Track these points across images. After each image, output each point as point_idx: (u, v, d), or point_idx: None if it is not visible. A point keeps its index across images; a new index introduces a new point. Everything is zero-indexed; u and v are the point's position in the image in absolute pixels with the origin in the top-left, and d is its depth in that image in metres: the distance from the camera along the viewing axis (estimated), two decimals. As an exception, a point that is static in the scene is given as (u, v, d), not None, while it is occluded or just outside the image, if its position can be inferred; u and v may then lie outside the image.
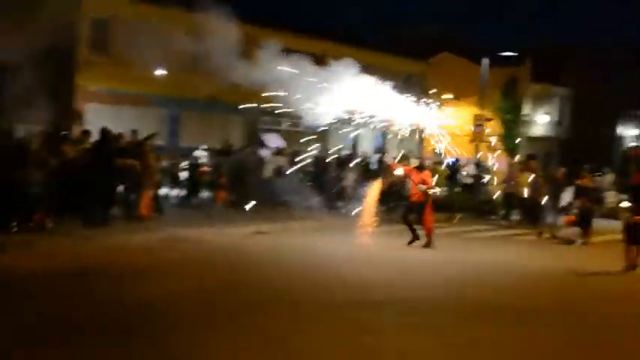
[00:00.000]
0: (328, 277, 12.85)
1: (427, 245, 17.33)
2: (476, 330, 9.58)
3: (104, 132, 18.23)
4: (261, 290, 11.32)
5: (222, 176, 23.95)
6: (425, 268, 14.66)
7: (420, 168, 18.28)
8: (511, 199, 24.71)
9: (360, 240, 16.85)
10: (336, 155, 27.09)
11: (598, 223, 20.49)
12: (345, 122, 26.27)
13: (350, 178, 24.52)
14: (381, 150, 31.50)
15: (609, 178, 29.35)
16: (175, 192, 24.00)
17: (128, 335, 8.55)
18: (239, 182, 23.27)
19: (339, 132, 38.83)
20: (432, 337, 9.19)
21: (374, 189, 17.88)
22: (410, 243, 17.53)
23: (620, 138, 64.45)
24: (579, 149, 52.45)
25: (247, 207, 21.05)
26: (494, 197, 25.62)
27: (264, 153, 26.65)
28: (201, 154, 27.24)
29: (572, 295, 12.74)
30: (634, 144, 60.91)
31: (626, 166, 41.21)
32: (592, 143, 54.45)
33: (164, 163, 22.40)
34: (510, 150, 47.53)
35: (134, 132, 21.98)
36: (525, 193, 22.31)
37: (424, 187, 17.47)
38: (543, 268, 15.46)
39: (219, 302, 10.40)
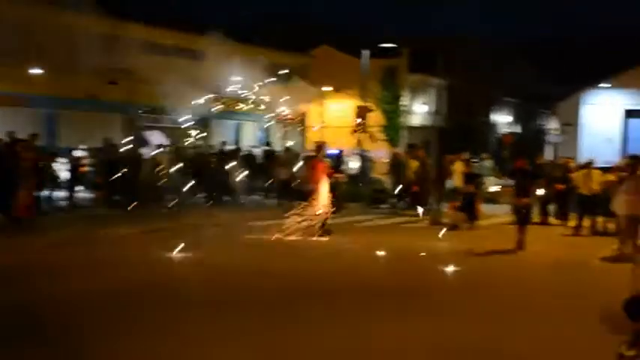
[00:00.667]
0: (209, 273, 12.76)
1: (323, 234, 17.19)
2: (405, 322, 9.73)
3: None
4: (149, 291, 11.15)
5: (100, 176, 23.51)
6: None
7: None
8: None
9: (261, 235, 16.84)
10: (220, 149, 27.01)
11: (481, 207, 21.00)
12: (227, 116, 26.23)
13: (234, 172, 24.36)
14: (265, 143, 31.51)
15: (488, 163, 30.19)
16: (56, 193, 23.30)
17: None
18: (121, 182, 22.84)
19: (221, 126, 38.94)
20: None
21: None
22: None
23: (494, 125, 66.63)
24: (456, 137, 53.91)
25: (130, 207, 20.64)
26: (386, 186, 25.89)
27: (146, 150, 26.24)
28: (82, 154, 26.65)
29: (475, 276, 13.01)
30: (507, 130, 63.09)
31: (501, 152, 42.79)
32: (468, 131, 56.03)
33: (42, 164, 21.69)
34: (391, 140, 48.45)
35: (10, 133, 21.31)
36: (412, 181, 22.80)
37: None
38: (438, 252, 15.78)
39: (105, 304, 10.16)
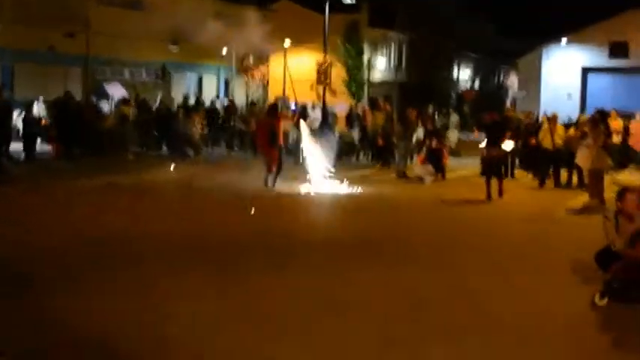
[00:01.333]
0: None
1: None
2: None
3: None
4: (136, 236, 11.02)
5: (54, 129, 23.12)
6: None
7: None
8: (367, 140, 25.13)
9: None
10: (182, 102, 26.72)
11: (447, 160, 21.01)
12: (188, 68, 25.94)
13: (196, 125, 24.10)
14: (226, 95, 31.28)
15: (454, 118, 30.25)
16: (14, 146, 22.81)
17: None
18: (78, 134, 22.48)
19: (183, 78, 38.52)
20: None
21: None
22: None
23: (455, 80, 66.77)
24: (417, 92, 53.99)
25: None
26: (354, 139, 25.80)
27: (106, 104, 25.86)
28: (39, 107, 26.16)
29: (444, 228, 13.03)
30: (468, 86, 63.28)
31: (462, 107, 42.90)
32: (429, 86, 56.09)
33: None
34: (354, 94, 48.33)
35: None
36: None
37: None
38: (410, 203, 15.82)
39: (78, 255, 10.01)
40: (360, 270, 9.50)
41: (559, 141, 19.12)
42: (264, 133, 17.55)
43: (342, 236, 11.87)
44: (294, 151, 21.70)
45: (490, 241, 11.84)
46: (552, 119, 19.76)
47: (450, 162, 21.40)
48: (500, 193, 16.63)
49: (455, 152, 26.13)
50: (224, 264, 9.67)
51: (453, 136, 27.66)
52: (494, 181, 16.54)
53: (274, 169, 17.31)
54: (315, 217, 14.09)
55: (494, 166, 16.75)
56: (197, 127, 24.11)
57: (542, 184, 19.17)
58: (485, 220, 14.18)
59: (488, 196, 16.42)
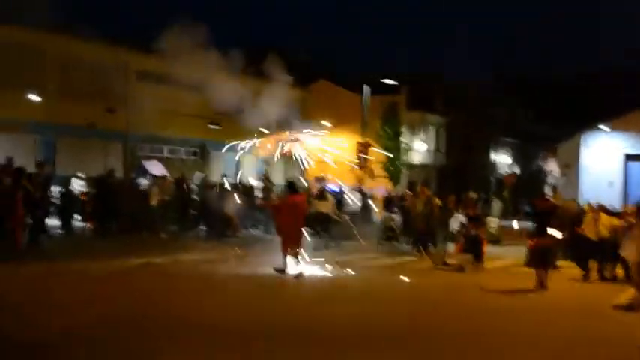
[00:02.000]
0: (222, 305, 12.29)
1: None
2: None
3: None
4: (165, 320, 10.72)
5: (91, 205, 23.16)
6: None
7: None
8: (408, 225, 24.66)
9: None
10: (220, 182, 26.60)
11: (485, 248, 20.50)
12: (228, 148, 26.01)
13: (234, 205, 23.94)
14: (262, 176, 31.12)
15: (497, 205, 29.74)
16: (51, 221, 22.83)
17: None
18: (121, 211, 22.46)
19: (221, 157, 38.56)
20: None
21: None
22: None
23: (494, 165, 66.40)
24: (455, 176, 53.68)
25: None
26: (395, 224, 25.37)
27: (145, 181, 25.86)
28: (79, 182, 26.30)
29: (489, 319, 12.57)
30: (508, 171, 62.76)
31: (502, 193, 42.39)
32: (467, 170, 55.77)
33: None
34: (392, 177, 48.11)
35: (9, 159, 20.95)
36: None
37: None
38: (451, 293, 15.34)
39: (118, 335, 9.74)
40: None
41: (604, 231, 18.63)
42: (291, 212, 16.97)
43: (385, 325, 11.46)
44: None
45: (531, 336, 11.32)
46: (597, 209, 19.34)
47: (488, 250, 20.85)
48: (544, 284, 16.29)
49: (495, 240, 25.65)
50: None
51: (494, 223, 27.21)
52: (544, 270, 16.39)
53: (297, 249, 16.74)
54: (350, 306, 13.57)
55: (543, 255, 16.51)
56: (234, 207, 23.95)
57: (586, 276, 18.55)
58: (526, 312, 13.60)
59: (541, 284, 16.26)
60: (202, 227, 25.08)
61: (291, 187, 17.96)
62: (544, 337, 11.35)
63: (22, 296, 12.41)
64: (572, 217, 20.92)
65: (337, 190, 27.50)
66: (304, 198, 17.57)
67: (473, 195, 22.15)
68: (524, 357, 9.99)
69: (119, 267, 15.97)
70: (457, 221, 21.13)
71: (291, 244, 16.56)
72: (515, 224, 23.97)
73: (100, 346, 9.25)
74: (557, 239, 17.45)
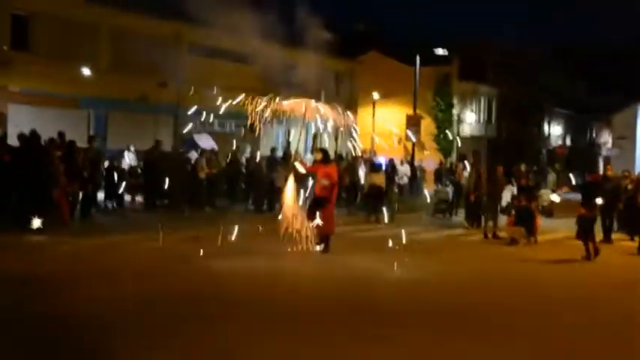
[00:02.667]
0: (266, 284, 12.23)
1: (325, 250, 15.39)
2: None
3: (32, 135, 17.26)
4: (214, 300, 10.70)
5: (137, 178, 23.32)
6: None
7: (325, 161, 16.16)
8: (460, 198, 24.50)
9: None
10: (268, 155, 26.61)
11: (539, 221, 20.20)
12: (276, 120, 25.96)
13: (282, 179, 23.86)
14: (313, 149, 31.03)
15: (552, 177, 29.41)
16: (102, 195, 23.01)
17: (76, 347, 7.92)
18: (170, 185, 22.55)
19: (271, 132, 38.65)
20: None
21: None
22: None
23: (546, 137, 65.49)
24: (507, 148, 53.07)
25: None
26: (447, 197, 25.25)
27: (194, 154, 25.92)
28: (131, 156, 26.52)
29: (542, 294, 12.39)
30: (559, 143, 61.89)
31: (553, 164, 41.84)
32: (519, 142, 55.10)
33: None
34: (443, 149, 47.76)
35: (61, 134, 21.11)
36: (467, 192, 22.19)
37: (327, 181, 15.64)
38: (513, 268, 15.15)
39: (157, 313, 9.74)
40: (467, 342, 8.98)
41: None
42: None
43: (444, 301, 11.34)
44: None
45: (587, 310, 11.14)
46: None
47: (541, 223, 20.54)
48: (593, 254, 16.34)
49: (547, 212, 25.34)
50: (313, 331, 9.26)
51: (546, 195, 26.88)
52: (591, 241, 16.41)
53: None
54: (404, 280, 13.43)
55: (588, 227, 16.51)
56: (282, 181, 23.88)
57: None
58: (572, 287, 13.38)
59: (587, 256, 16.24)
60: (251, 201, 25.06)
61: (325, 155, 16.45)
62: (597, 312, 11.15)
63: (74, 270, 12.51)
64: (623, 190, 20.63)
65: (386, 162, 27.36)
66: (334, 168, 16.26)
67: (523, 167, 21.80)
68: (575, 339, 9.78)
69: (167, 241, 15.93)
70: (508, 193, 20.87)
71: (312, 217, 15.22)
72: (555, 197, 23.72)
73: (151, 323, 9.26)
74: (607, 212, 17.28)
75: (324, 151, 16.71)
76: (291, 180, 15.63)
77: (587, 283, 13.89)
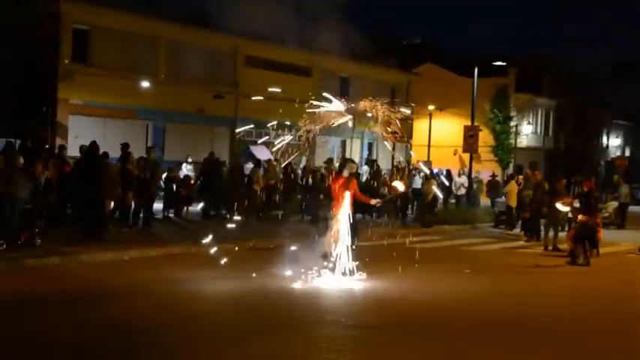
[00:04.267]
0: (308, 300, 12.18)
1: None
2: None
3: (93, 146, 17.46)
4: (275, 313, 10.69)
5: (189, 188, 23.40)
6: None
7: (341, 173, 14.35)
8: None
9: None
10: (323, 166, 26.57)
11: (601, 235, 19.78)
12: (332, 132, 25.95)
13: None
14: (369, 160, 30.99)
15: (624, 189, 28.93)
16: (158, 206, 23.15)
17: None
18: (229, 194, 22.67)
19: (326, 142, 38.70)
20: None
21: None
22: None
23: (605, 148, 64.54)
24: (565, 160, 52.41)
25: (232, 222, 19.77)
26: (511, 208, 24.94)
27: (250, 165, 25.99)
28: (188, 167, 26.74)
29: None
30: (619, 154, 60.98)
31: (612, 175, 41.21)
32: (577, 154, 54.41)
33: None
34: (501, 161, 47.36)
35: (125, 145, 21.34)
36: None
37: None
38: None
39: (237, 325, 9.76)
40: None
41: None
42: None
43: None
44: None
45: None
46: None
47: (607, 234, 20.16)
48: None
49: (613, 223, 25.10)
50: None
51: (611, 206, 26.63)
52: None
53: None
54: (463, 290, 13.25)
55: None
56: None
57: None
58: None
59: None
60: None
61: (340, 167, 15.00)
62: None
63: (137, 281, 12.61)
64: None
65: (441, 172, 27.29)
66: (342, 180, 13.82)
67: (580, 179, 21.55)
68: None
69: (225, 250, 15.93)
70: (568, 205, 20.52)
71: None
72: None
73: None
74: None
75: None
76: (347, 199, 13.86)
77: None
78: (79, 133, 26.86)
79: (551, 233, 19.85)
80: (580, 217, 17.99)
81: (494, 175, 31.67)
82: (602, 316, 11.42)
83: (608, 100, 59.14)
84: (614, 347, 9.49)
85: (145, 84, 29.90)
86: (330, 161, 26.97)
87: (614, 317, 11.42)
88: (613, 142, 66.05)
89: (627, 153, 65.91)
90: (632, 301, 13.07)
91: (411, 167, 29.68)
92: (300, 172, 26.33)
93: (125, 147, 19.56)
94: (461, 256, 17.78)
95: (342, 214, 13.63)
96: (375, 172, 27.04)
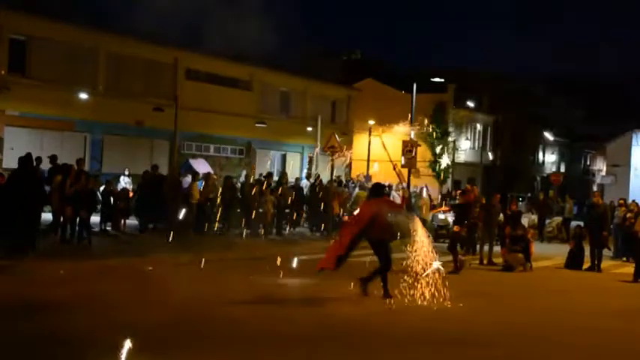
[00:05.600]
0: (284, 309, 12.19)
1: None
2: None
3: (27, 158, 17.22)
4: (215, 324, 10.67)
5: (126, 201, 23.19)
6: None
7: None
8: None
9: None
10: (258, 179, 26.63)
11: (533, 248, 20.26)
12: (272, 146, 25.97)
13: (270, 203, 23.82)
14: (309, 174, 31.08)
15: (569, 204, 29.74)
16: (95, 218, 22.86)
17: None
18: (158, 208, 22.58)
19: (267, 155, 38.83)
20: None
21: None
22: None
23: (540, 164, 65.82)
24: (502, 175, 53.28)
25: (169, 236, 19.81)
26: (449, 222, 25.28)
27: (189, 178, 25.85)
28: (126, 180, 26.49)
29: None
30: (554, 170, 62.24)
31: (548, 191, 42.05)
32: (514, 169, 55.35)
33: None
34: (438, 176, 47.90)
35: (53, 157, 21.15)
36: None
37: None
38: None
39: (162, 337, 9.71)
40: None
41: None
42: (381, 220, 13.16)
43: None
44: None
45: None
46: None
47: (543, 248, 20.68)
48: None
49: (557, 238, 25.88)
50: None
51: (555, 221, 27.68)
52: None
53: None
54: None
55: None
56: (269, 206, 23.87)
57: (636, 278, 18.01)
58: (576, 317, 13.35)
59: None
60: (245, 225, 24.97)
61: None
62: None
63: (72, 294, 12.46)
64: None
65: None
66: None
67: (514, 195, 22.08)
68: None
69: (164, 264, 15.92)
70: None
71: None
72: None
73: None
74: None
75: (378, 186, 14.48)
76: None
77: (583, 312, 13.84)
78: (15, 145, 26.49)
79: (486, 247, 20.22)
80: (455, 228, 18.65)
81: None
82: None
83: (544, 117, 60.34)
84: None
85: (84, 96, 29.58)
86: (269, 175, 27.05)
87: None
88: (549, 159, 67.36)
89: (562, 169, 67.28)
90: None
91: (351, 182, 29.87)
92: (239, 185, 26.30)
93: (53, 159, 19.39)
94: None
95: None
96: (319, 185, 27.18)
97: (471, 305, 13.13)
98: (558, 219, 29.46)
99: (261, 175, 28.22)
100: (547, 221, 29.82)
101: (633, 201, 27.06)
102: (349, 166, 39.10)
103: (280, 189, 25.47)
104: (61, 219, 18.84)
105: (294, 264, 15.67)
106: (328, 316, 11.52)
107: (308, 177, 29.85)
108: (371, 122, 44.63)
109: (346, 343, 9.68)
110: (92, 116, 29.89)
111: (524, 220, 29.77)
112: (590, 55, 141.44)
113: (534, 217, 30.98)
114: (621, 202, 25.22)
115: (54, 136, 28.85)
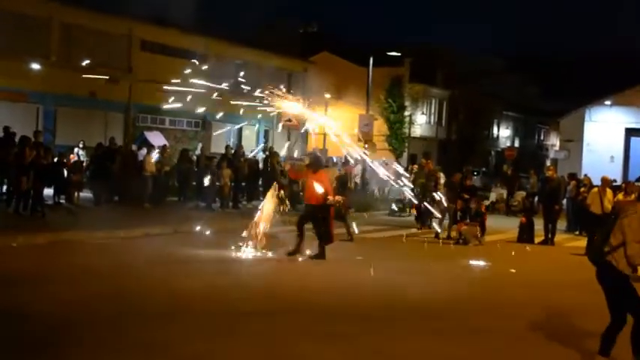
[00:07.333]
0: (226, 285, 12.15)
1: (319, 256, 14.83)
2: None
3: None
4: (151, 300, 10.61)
5: (80, 173, 22.89)
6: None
7: (313, 167, 15.34)
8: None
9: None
10: (222, 153, 26.47)
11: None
12: (229, 119, 25.75)
13: (225, 177, 23.69)
14: (266, 148, 30.92)
15: (533, 180, 30.03)
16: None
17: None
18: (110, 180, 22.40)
19: (223, 129, 38.55)
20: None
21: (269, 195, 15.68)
22: (291, 254, 14.86)
23: (495, 139, 66.41)
24: (457, 149, 53.70)
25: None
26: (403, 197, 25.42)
27: (144, 151, 25.64)
28: (80, 152, 26.18)
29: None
30: (509, 145, 62.88)
31: (501, 165, 42.53)
32: (469, 144, 55.78)
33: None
34: (395, 150, 48.06)
35: (6, 129, 20.84)
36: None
37: (320, 189, 14.75)
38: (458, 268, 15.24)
39: (103, 312, 9.62)
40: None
41: (608, 205, 18.56)
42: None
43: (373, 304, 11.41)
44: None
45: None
46: (603, 183, 19.43)
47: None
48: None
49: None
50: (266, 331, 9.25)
51: (519, 195, 28.05)
52: None
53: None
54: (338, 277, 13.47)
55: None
56: (226, 179, 23.77)
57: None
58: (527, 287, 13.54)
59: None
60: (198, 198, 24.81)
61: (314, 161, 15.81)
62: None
63: (26, 268, 12.34)
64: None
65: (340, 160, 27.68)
66: (326, 174, 15.67)
67: (469, 169, 22.23)
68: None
69: (117, 237, 15.85)
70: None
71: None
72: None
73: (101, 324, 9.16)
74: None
75: (314, 157, 16.06)
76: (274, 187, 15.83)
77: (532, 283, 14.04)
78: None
79: (445, 222, 20.44)
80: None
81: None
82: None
83: (499, 92, 60.76)
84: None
85: (36, 66, 29.04)
86: (227, 148, 26.92)
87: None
88: (503, 133, 67.92)
89: (516, 144, 67.92)
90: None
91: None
92: (195, 158, 26.18)
93: (6, 130, 19.13)
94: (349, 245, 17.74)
95: None
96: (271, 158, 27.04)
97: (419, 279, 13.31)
98: (522, 193, 29.75)
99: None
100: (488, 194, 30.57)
101: (586, 175, 27.49)
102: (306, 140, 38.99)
103: (237, 162, 25.34)
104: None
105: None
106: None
107: (264, 150, 29.73)
108: (327, 96, 44.55)
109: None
110: (45, 87, 29.39)
111: (493, 195, 30.54)
112: (546, 36, 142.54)
113: (503, 192, 31.37)
114: (571, 176, 25.61)
115: (5, 107, 28.32)
